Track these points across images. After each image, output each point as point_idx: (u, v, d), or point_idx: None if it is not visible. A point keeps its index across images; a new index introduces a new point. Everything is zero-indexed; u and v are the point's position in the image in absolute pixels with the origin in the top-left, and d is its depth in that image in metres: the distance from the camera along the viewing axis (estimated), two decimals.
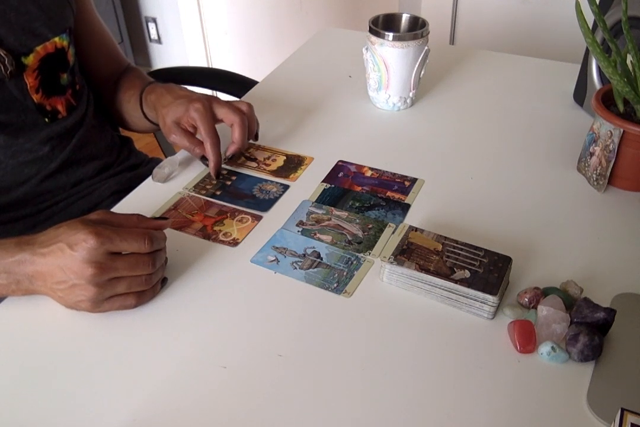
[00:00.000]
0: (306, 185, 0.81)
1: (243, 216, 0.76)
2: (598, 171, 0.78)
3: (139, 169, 0.97)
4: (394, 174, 0.83)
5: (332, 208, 0.77)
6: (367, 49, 0.94)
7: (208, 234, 0.73)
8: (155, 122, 0.88)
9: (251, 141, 0.87)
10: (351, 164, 0.85)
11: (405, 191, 0.80)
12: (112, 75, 0.98)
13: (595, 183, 0.79)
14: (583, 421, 0.52)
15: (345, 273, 0.67)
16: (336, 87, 1.05)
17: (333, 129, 0.93)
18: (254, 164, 0.86)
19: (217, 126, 0.79)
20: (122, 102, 0.95)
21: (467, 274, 0.62)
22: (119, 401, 0.54)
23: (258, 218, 0.75)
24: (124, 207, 0.77)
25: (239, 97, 1.03)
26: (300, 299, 0.64)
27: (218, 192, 0.80)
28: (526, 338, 0.58)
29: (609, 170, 0.77)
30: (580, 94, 0.95)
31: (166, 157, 1.05)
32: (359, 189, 0.80)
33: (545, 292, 0.62)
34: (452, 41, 2.38)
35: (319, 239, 0.72)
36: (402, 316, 0.62)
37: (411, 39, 0.89)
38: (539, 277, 0.66)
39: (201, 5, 2.35)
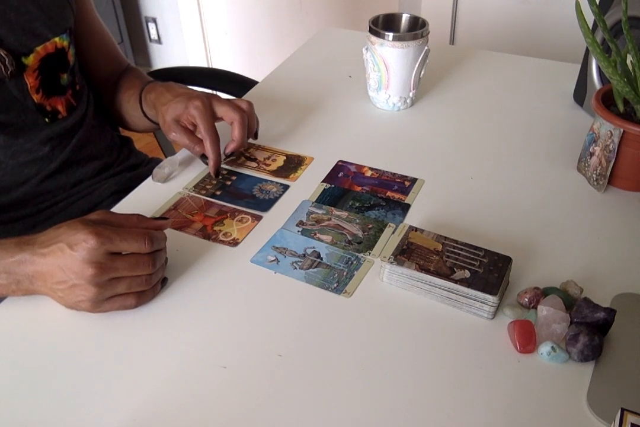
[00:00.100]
0: (306, 185, 0.81)
1: (243, 215, 0.76)
2: (598, 171, 0.78)
3: (139, 169, 0.97)
4: (394, 174, 0.83)
5: (332, 208, 0.77)
6: (367, 49, 0.94)
7: (208, 234, 0.73)
8: (155, 121, 0.88)
9: (251, 140, 0.87)
10: (351, 164, 0.85)
11: (405, 191, 0.80)
12: (112, 75, 0.98)
13: (595, 183, 0.79)
14: (583, 421, 0.52)
15: (345, 273, 0.67)
16: (336, 87, 1.05)
17: (333, 129, 0.93)
18: (254, 164, 0.86)
19: (217, 124, 0.79)
20: (122, 102, 0.95)
21: (467, 274, 0.62)
22: (119, 401, 0.54)
23: (258, 218, 0.75)
24: (124, 207, 0.77)
25: (239, 97, 1.03)
26: (300, 299, 0.64)
27: (218, 192, 0.80)
28: (526, 338, 0.58)
29: (609, 170, 0.77)
30: (580, 94, 0.95)
31: (166, 157, 1.05)
32: (359, 189, 0.80)
33: (545, 292, 0.62)
34: (452, 41, 2.38)
35: (319, 239, 0.72)
36: (402, 316, 0.62)
37: (411, 39, 0.89)
38: (539, 277, 0.66)
39: (201, 5, 2.35)
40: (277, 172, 0.84)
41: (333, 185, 0.81)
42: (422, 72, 0.95)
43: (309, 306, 0.63)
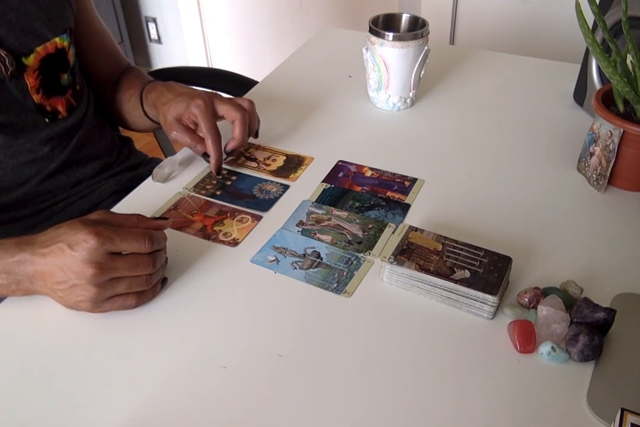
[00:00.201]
0: (306, 185, 0.81)
1: (243, 216, 0.76)
2: (598, 171, 0.78)
3: (139, 169, 0.97)
4: (394, 174, 0.83)
5: (332, 208, 0.77)
6: (367, 49, 0.94)
7: (208, 234, 0.73)
8: (155, 121, 0.88)
9: (251, 139, 0.87)
10: (351, 164, 0.85)
11: (405, 191, 0.80)
12: (112, 75, 0.98)
13: (595, 183, 0.79)
14: (583, 421, 0.52)
15: (345, 273, 0.67)
16: (336, 87, 1.05)
17: (333, 129, 0.93)
18: (254, 164, 0.86)
19: (218, 123, 0.79)
20: (123, 102, 0.95)
21: (467, 274, 0.62)
22: (119, 401, 0.54)
23: (258, 218, 0.75)
24: (124, 207, 0.77)
25: (239, 97, 1.03)
26: (300, 299, 0.64)
27: (218, 192, 0.80)
28: (526, 338, 0.58)
29: (609, 170, 0.77)
30: (580, 94, 0.95)
31: (166, 157, 1.05)
32: (359, 189, 0.80)
33: (545, 292, 0.62)
34: (452, 41, 2.38)
35: (319, 239, 0.72)
36: (402, 316, 0.62)
37: (411, 39, 0.89)
38: (539, 277, 0.66)
39: (201, 5, 2.35)
40: (277, 172, 0.84)
41: (333, 185, 0.81)
42: (422, 72, 0.95)
43: (309, 306, 0.63)
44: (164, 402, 0.54)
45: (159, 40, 2.63)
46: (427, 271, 0.62)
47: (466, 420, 0.52)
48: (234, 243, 0.71)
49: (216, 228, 0.74)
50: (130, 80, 0.95)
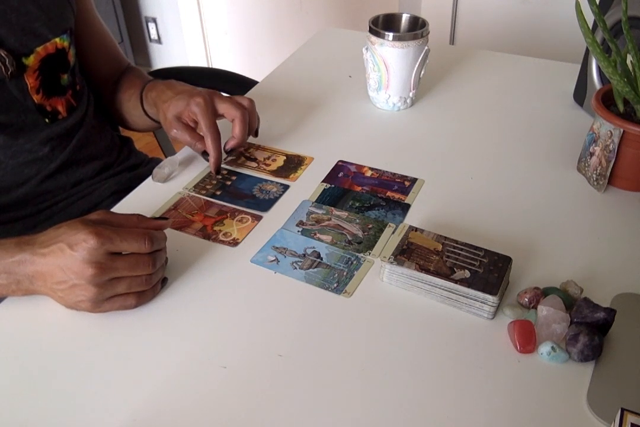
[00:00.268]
0: (306, 185, 0.81)
1: (243, 216, 0.76)
2: (598, 171, 0.78)
3: (139, 169, 0.97)
4: (394, 174, 0.83)
5: (332, 208, 0.77)
6: (367, 49, 0.94)
7: (208, 234, 0.73)
8: (156, 120, 0.88)
9: (251, 138, 0.87)
10: (351, 164, 0.85)
11: (405, 191, 0.80)
12: (112, 75, 0.98)
13: (595, 183, 0.79)
14: (583, 421, 0.52)
15: (345, 273, 0.67)
16: (336, 87, 1.05)
17: (333, 129, 0.93)
18: (254, 164, 0.86)
19: (218, 121, 0.79)
20: (123, 101, 0.95)
21: (467, 274, 0.62)
22: (119, 401, 0.54)
23: (258, 218, 0.75)
24: (124, 207, 0.77)
25: None
26: (300, 299, 0.64)
27: (218, 192, 0.80)
28: (526, 338, 0.58)
29: (609, 170, 0.77)
30: (580, 94, 0.95)
31: (166, 157, 1.05)
32: (359, 189, 0.80)
33: (545, 292, 0.62)
34: (452, 41, 2.38)
35: (319, 239, 0.72)
36: (402, 316, 0.62)
37: (411, 39, 0.89)
38: (539, 277, 0.66)
39: (201, 5, 2.35)
40: (277, 172, 0.84)
41: (333, 185, 0.81)
42: (422, 72, 0.95)
43: (309, 306, 0.63)
44: (164, 402, 0.54)
45: (159, 40, 2.63)
46: (427, 271, 0.62)
47: (466, 420, 0.52)
48: (234, 243, 0.71)
49: (216, 228, 0.74)
50: (130, 80, 0.95)
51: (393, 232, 0.72)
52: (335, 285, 0.66)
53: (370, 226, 0.74)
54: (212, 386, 0.55)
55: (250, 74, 1.21)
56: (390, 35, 0.89)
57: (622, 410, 0.45)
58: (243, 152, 0.88)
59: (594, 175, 0.79)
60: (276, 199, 0.79)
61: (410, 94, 0.96)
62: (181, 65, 1.44)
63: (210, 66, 2.48)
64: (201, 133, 0.79)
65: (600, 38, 0.84)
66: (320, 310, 0.63)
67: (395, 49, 0.90)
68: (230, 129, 0.80)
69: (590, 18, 0.73)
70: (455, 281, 0.61)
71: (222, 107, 0.79)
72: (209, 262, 0.69)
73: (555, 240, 0.71)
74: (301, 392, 0.55)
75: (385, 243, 0.71)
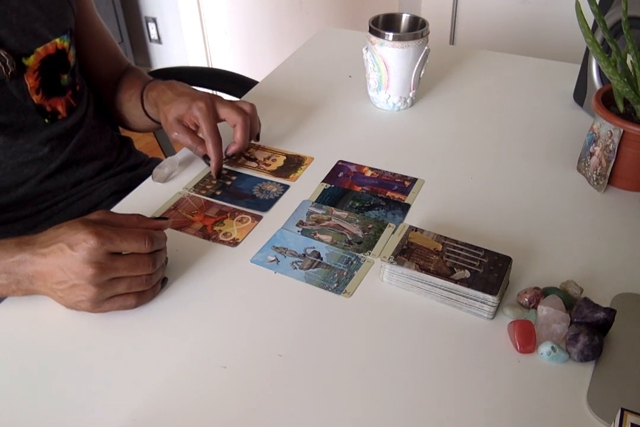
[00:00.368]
0: (306, 185, 0.81)
1: (243, 216, 0.76)
2: (598, 171, 0.78)
3: (139, 169, 0.97)
4: (394, 174, 0.83)
5: (332, 208, 0.77)
6: (367, 49, 0.94)
7: (208, 234, 0.73)
8: (156, 120, 0.88)
9: (252, 142, 0.87)
10: (351, 164, 0.85)
11: (405, 191, 0.80)
12: (112, 75, 0.98)
13: (595, 183, 0.79)
14: (583, 421, 0.52)
15: (345, 273, 0.67)
16: (336, 87, 1.05)
17: (333, 129, 0.93)
18: (254, 164, 0.86)
19: (219, 124, 0.79)
20: (123, 101, 0.95)
21: (467, 274, 0.62)
22: (119, 401, 0.54)
23: (258, 218, 0.75)
24: (124, 207, 0.77)
25: (239, 97, 1.03)
26: (300, 299, 0.64)
27: (218, 192, 0.80)
28: (526, 338, 0.58)
29: (609, 170, 0.77)
30: (580, 94, 0.95)
31: (166, 157, 1.05)
32: (359, 189, 0.80)
33: (545, 292, 0.62)
34: (452, 41, 2.38)
35: (319, 239, 0.72)
36: (402, 316, 0.62)
37: (411, 39, 0.89)
38: (539, 277, 0.66)
39: (201, 5, 2.35)
40: (277, 172, 0.84)
41: (333, 185, 0.81)
42: (422, 72, 0.95)
43: (309, 306, 0.63)
44: (164, 402, 0.54)
45: (159, 40, 2.63)
46: (427, 271, 0.62)
47: (466, 420, 0.52)
48: (234, 243, 0.71)
49: (216, 228, 0.74)
50: (131, 80, 0.95)
51: (393, 232, 0.72)
52: (335, 285, 0.66)
53: (370, 225, 0.74)
54: (212, 386, 0.55)
55: (250, 74, 1.21)
56: (390, 35, 0.89)
57: (622, 410, 0.45)
58: (243, 152, 0.88)
59: (594, 175, 0.79)
60: (276, 199, 0.79)
61: (410, 94, 0.96)
62: (181, 65, 1.44)
63: (210, 66, 2.48)
64: (202, 137, 0.79)
65: (600, 38, 0.84)
66: (320, 310, 0.63)
67: (395, 49, 0.90)
68: (231, 133, 0.80)
69: (590, 18, 0.73)
70: (455, 281, 0.61)
71: (224, 112, 0.79)
72: (209, 262, 0.69)
73: (555, 240, 0.71)
74: (301, 392, 0.55)
75: (385, 243, 0.71)
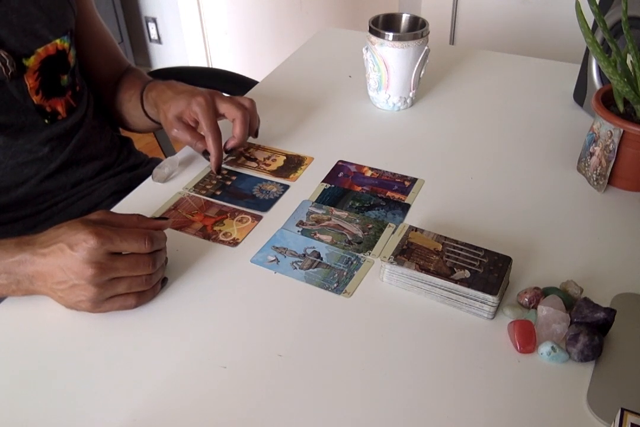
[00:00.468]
0: (306, 185, 0.81)
1: (243, 216, 0.76)
2: (598, 171, 0.78)
3: (139, 169, 0.97)
4: (394, 174, 0.83)
5: (332, 208, 0.77)
6: (367, 49, 0.94)
7: (208, 234, 0.73)
8: (156, 120, 0.88)
9: (251, 139, 0.87)
10: (351, 164, 0.85)
11: (405, 191, 0.80)
12: (112, 76, 0.98)
13: (595, 183, 0.79)
14: (583, 421, 0.52)
15: (345, 273, 0.67)
16: (336, 87, 1.05)
17: (333, 129, 0.93)
18: (254, 164, 0.86)
19: (218, 121, 0.79)
20: (123, 102, 0.95)
21: (467, 274, 0.62)
22: (119, 401, 0.54)
23: (258, 218, 0.75)
24: (124, 207, 0.77)
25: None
26: (300, 299, 0.64)
27: (218, 192, 0.80)
28: (526, 338, 0.58)
29: (609, 170, 0.77)
30: (580, 94, 0.95)
31: (166, 157, 1.05)
32: (359, 189, 0.80)
33: (545, 292, 0.62)
34: (452, 41, 2.38)
35: (319, 239, 0.72)
36: (402, 316, 0.62)
37: (411, 39, 0.89)
38: (539, 277, 0.66)
39: (201, 5, 2.35)
40: (277, 172, 0.84)
41: (333, 185, 0.81)
42: (422, 72, 0.95)
43: (309, 306, 0.63)
44: (164, 402, 0.54)
45: (159, 40, 2.63)
46: (427, 271, 0.62)
47: (466, 420, 0.52)
48: (234, 243, 0.71)
49: (216, 228, 0.74)
50: (131, 80, 0.95)
51: (393, 232, 0.72)
52: (335, 285, 0.66)
53: (370, 226, 0.74)
54: (212, 386, 0.55)
55: (250, 74, 1.21)
56: (390, 35, 0.89)
57: (622, 410, 0.45)
58: (243, 152, 0.88)
59: (594, 175, 0.79)
60: (276, 199, 0.79)
61: (410, 94, 0.96)
62: (181, 65, 1.44)
63: (210, 66, 2.48)
64: (202, 133, 0.79)
65: (600, 38, 0.84)
66: (320, 310, 0.63)
67: (395, 49, 0.90)
68: (231, 129, 0.80)
69: (590, 18, 0.73)
70: (455, 281, 0.61)
71: (223, 107, 0.79)
72: (209, 262, 0.69)
73: (555, 240, 0.71)
74: (301, 392, 0.55)
75: (385, 243, 0.71)
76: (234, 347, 0.59)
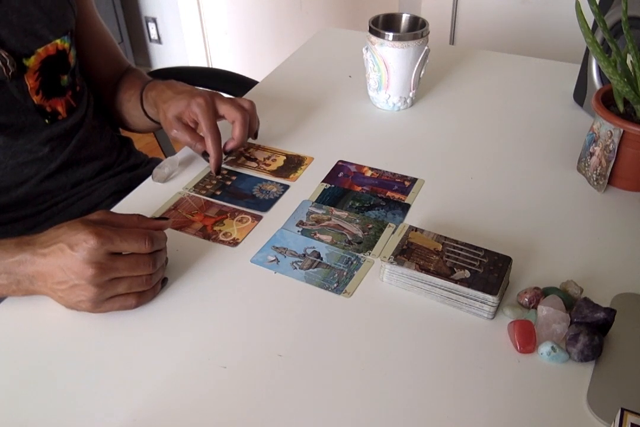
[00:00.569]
0: (306, 185, 0.81)
1: (243, 216, 0.76)
2: (598, 171, 0.78)
3: (139, 169, 0.97)
4: (394, 174, 0.83)
5: (332, 208, 0.77)
6: (367, 49, 0.94)
7: (208, 234, 0.73)
8: (155, 120, 0.88)
9: (250, 140, 0.87)
10: (351, 164, 0.85)
11: (405, 191, 0.80)
12: (112, 76, 0.98)
13: (595, 183, 0.79)
14: (583, 421, 0.52)
15: (345, 273, 0.67)
16: (336, 87, 1.05)
17: (333, 129, 0.94)
18: (254, 164, 0.86)
19: (218, 122, 0.79)
20: (123, 102, 0.95)
21: (467, 274, 0.62)
22: (119, 401, 0.54)
23: (258, 218, 0.75)
24: (124, 207, 0.77)
25: (240, 97, 1.03)
26: (300, 299, 0.64)
27: (218, 192, 0.80)
28: (526, 338, 0.58)
29: (609, 170, 0.77)
30: (580, 94, 0.95)
31: (166, 157, 1.05)
32: (359, 189, 0.80)
33: (545, 292, 0.62)
34: (452, 41, 2.38)
35: (319, 239, 0.72)
36: (402, 316, 0.62)
37: (411, 39, 0.89)
38: (539, 277, 0.66)
39: (201, 5, 2.35)
40: (277, 172, 0.84)
41: (333, 185, 0.81)
42: (422, 72, 0.95)
43: (309, 306, 0.63)
44: (164, 402, 0.54)
45: (159, 40, 2.63)
46: (427, 271, 0.62)
47: (466, 420, 0.52)
48: (234, 243, 0.72)
49: (216, 228, 0.74)
50: (131, 80, 0.95)
51: (393, 232, 0.72)
52: (335, 285, 0.66)
53: (370, 226, 0.74)
54: (212, 386, 0.55)
55: (250, 74, 1.21)
56: (390, 35, 0.89)
57: (622, 410, 0.45)
58: (243, 152, 0.88)
59: (594, 175, 0.79)
60: (276, 199, 0.79)
61: (410, 94, 0.96)
62: (181, 65, 1.44)
63: (210, 66, 2.48)
64: (201, 134, 0.79)
65: (600, 38, 0.84)
66: (320, 310, 0.63)
67: (395, 49, 0.90)
68: (230, 130, 0.80)
69: (590, 18, 0.73)
70: (455, 281, 0.61)
71: (223, 109, 0.79)
72: (209, 262, 0.69)
73: (555, 240, 0.71)
74: (301, 392, 0.55)
75: (385, 243, 0.71)
76: (234, 347, 0.59)
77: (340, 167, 0.85)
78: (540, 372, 0.56)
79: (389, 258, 0.64)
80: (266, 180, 0.82)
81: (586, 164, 0.81)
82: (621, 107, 0.78)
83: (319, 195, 0.79)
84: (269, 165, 0.85)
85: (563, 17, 2.02)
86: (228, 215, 0.76)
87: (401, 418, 0.53)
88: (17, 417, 0.53)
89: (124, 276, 0.59)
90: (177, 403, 0.54)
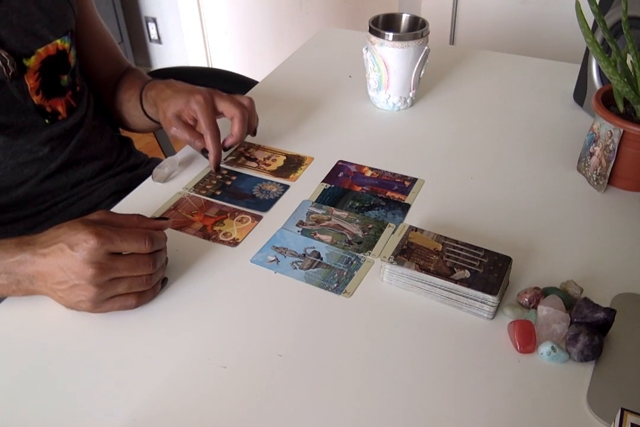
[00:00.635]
0: (306, 185, 0.81)
1: (243, 216, 0.76)
2: (598, 171, 0.78)
3: (139, 169, 0.97)
4: (394, 174, 0.83)
5: (332, 208, 0.77)
6: (367, 49, 0.94)
7: (208, 234, 0.73)
8: (155, 120, 0.88)
9: (250, 138, 0.87)
10: (351, 164, 0.85)
11: (405, 191, 0.80)
12: (112, 76, 0.98)
13: (595, 183, 0.79)
14: (583, 421, 0.52)
15: (345, 273, 0.67)
16: (336, 87, 1.05)
17: (333, 129, 0.94)
18: (254, 164, 0.86)
19: (217, 120, 0.79)
20: (123, 102, 0.95)
21: (467, 274, 0.62)
22: (119, 401, 0.54)
23: (258, 218, 0.75)
24: (124, 207, 0.77)
25: None
26: (300, 299, 0.64)
27: (218, 192, 0.80)
28: (526, 338, 0.58)
29: (609, 170, 0.77)
30: (580, 94, 0.95)
31: (166, 157, 1.05)
32: (359, 189, 0.80)
33: (545, 292, 0.62)
34: (452, 41, 2.38)
35: (319, 239, 0.72)
36: (402, 316, 0.62)
37: (411, 39, 0.89)
38: (539, 277, 0.66)
39: (201, 5, 2.35)
40: (277, 172, 0.84)
41: (333, 185, 0.81)
42: (422, 72, 0.95)
43: (309, 306, 0.63)
44: (164, 402, 0.54)
45: (159, 40, 2.63)
46: (427, 271, 0.62)
47: (466, 420, 0.52)
48: (234, 243, 0.72)
49: (216, 228, 0.74)
50: (131, 80, 0.95)
51: (393, 232, 0.72)
52: (335, 285, 0.66)
53: (370, 225, 0.74)
54: (212, 386, 0.55)
55: (250, 74, 1.21)
56: (390, 35, 0.89)
57: (622, 410, 0.45)
58: (243, 152, 0.88)
59: (594, 175, 0.79)
60: (276, 199, 0.79)
61: (410, 94, 0.96)
62: (181, 65, 1.44)
63: (210, 66, 2.48)
64: (201, 131, 0.79)
65: (600, 38, 0.84)
66: (320, 310, 0.63)
67: (395, 49, 0.90)
68: (229, 127, 0.80)
69: (590, 18, 0.73)
70: (455, 281, 0.61)
71: (222, 106, 0.79)
72: (209, 262, 0.69)
73: (555, 240, 0.71)
74: (301, 392, 0.55)
75: (385, 243, 0.71)
76: (234, 347, 0.59)
77: (340, 167, 0.85)
78: (540, 372, 0.56)
79: (389, 258, 0.64)
80: (266, 180, 0.82)
81: (586, 164, 0.81)
82: (621, 107, 0.78)
83: (319, 196, 0.79)
84: (269, 165, 0.85)
85: (563, 17, 2.02)
86: (228, 215, 0.76)
87: (401, 418, 0.53)
88: (17, 417, 0.53)
89: (124, 276, 0.59)
90: (177, 403, 0.54)
